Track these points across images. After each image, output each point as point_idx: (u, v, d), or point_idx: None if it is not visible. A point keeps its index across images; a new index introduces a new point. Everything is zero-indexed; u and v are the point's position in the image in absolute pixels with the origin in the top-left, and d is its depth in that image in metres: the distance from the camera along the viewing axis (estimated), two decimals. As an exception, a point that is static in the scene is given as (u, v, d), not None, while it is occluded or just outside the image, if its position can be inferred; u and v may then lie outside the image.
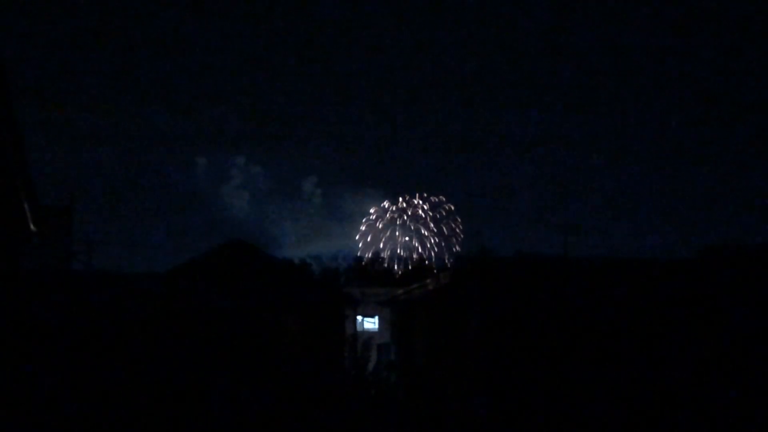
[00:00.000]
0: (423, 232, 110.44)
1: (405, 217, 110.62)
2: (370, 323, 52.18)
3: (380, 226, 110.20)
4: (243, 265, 34.35)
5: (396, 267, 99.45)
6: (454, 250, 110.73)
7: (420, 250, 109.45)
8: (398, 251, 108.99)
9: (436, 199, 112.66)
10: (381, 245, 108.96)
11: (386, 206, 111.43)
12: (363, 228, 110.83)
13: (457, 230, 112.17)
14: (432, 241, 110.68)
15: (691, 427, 27.84)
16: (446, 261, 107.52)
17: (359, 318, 48.11)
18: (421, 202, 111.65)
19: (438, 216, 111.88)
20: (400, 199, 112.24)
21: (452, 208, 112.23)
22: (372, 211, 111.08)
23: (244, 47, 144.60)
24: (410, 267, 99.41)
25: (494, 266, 33.64)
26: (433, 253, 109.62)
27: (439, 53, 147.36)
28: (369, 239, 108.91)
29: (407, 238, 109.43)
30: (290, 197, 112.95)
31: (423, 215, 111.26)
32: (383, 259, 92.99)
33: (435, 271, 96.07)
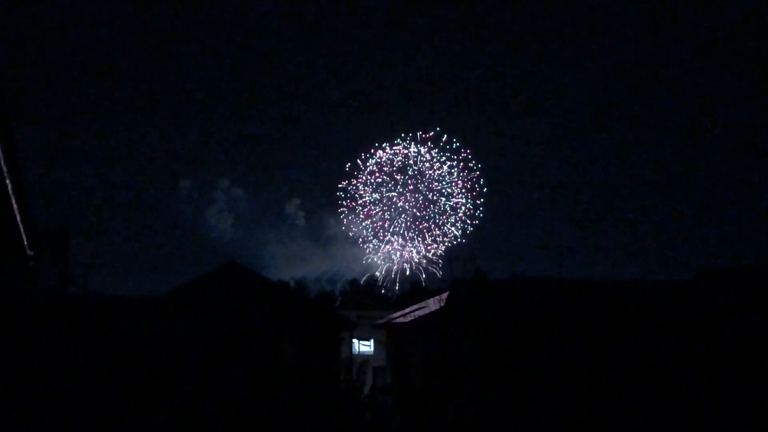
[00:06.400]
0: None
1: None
2: (366, 346, 52.00)
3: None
4: (240, 288, 34.31)
5: (393, 283, 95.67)
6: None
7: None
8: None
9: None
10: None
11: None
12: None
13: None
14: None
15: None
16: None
17: (355, 341, 47.90)
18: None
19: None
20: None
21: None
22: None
23: (226, 67, 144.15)
24: (407, 289, 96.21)
25: (489, 290, 33.60)
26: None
27: (427, 74, 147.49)
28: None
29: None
30: (274, 219, 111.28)
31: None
32: (378, 278, 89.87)
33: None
